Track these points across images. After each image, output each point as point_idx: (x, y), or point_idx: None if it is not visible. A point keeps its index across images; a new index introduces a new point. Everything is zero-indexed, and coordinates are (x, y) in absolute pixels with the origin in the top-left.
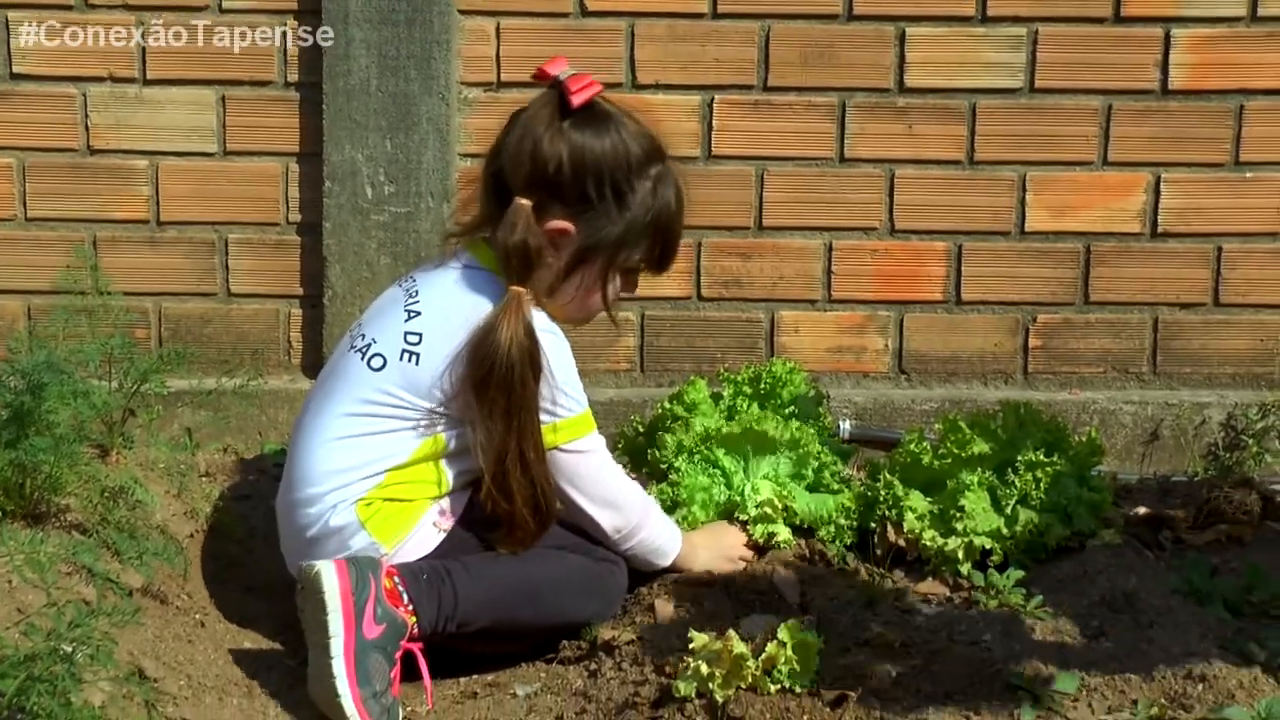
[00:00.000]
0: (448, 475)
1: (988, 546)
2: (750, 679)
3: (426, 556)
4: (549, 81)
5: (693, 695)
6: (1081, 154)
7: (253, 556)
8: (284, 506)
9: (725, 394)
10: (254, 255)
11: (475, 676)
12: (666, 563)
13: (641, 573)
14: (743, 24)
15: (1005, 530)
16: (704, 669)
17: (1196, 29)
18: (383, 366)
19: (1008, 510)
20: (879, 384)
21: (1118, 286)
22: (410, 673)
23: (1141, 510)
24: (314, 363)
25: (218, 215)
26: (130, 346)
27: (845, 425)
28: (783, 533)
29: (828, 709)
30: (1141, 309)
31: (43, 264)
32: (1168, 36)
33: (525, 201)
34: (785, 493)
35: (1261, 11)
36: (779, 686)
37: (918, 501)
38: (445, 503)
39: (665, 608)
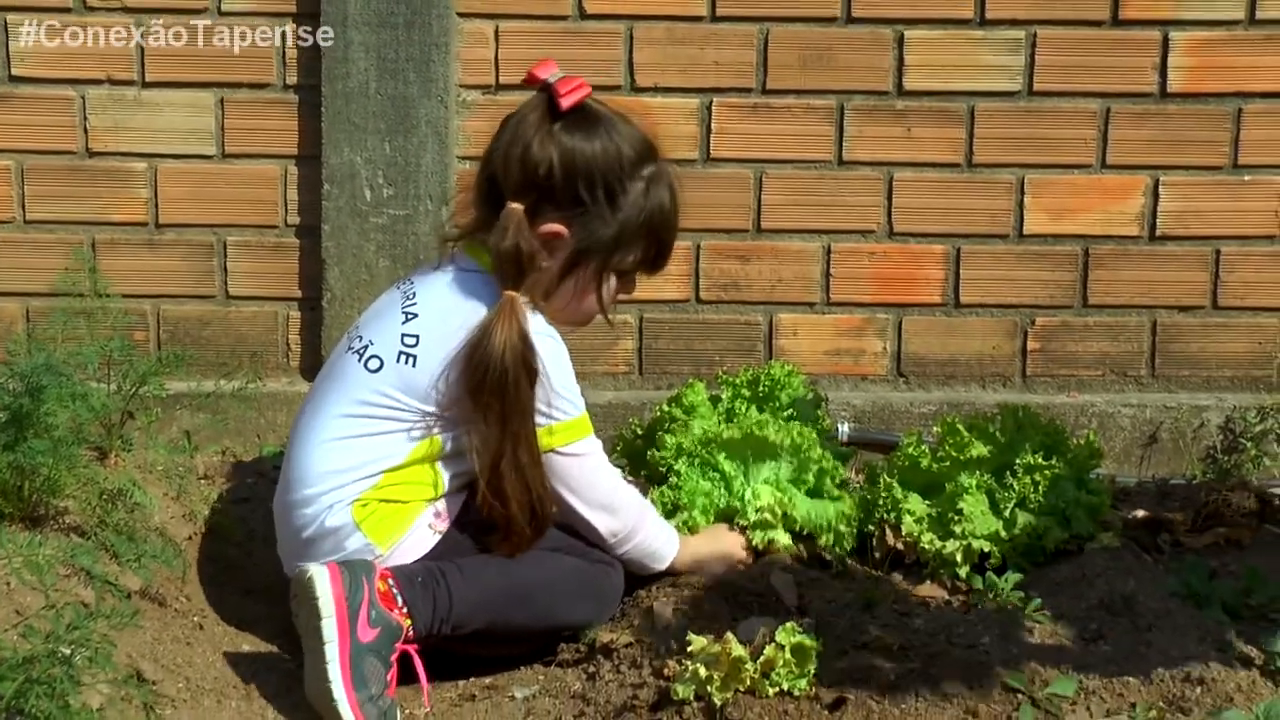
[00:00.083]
0: (443, 477)
1: (986, 549)
2: (748, 682)
3: (422, 558)
4: (539, 85)
5: (691, 698)
6: (1080, 157)
7: (251, 559)
8: (280, 507)
9: (724, 396)
10: (252, 258)
11: (473, 679)
12: (663, 566)
13: (640, 576)
14: (741, 27)
15: (1003, 533)
16: (702, 672)
17: (1195, 32)
18: (380, 368)
19: (1006, 513)
20: (877, 386)
21: (1116, 289)
22: (408, 675)
23: (1140, 513)
24: (312, 365)
25: (216, 218)
26: (129, 349)
27: (844, 428)
28: (782, 539)
29: (826, 712)
30: (1140, 312)
31: (41, 266)
32: (1166, 39)
33: (517, 206)
34: (785, 499)
35: (1260, 14)
36: (777, 689)
37: (916, 504)
38: (441, 505)
39: (663, 611)
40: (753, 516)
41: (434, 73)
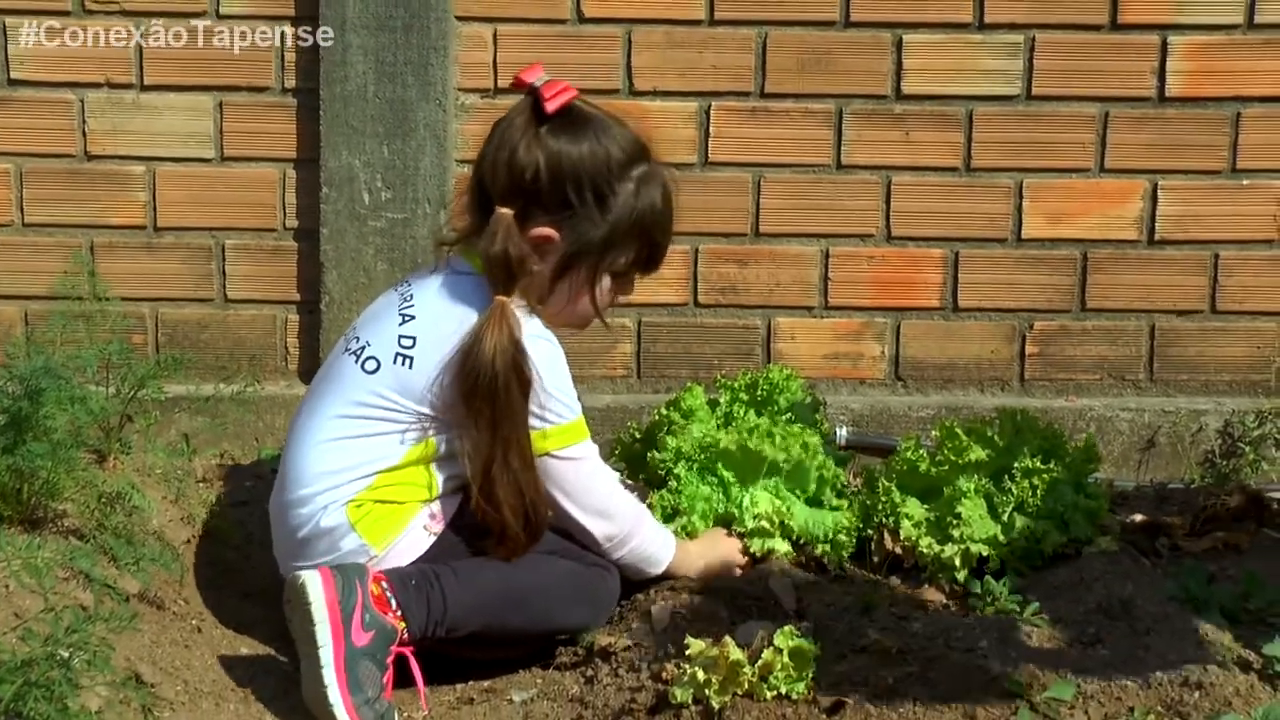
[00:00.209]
0: (438, 479)
1: (984, 554)
2: (746, 685)
3: (417, 560)
4: (526, 89)
5: (689, 702)
6: (1078, 161)
7: (249, 562)
8: (276, 507)
9: (722, 400)
10: (251, 261)
11: (472, 682)
12: (659, 571)
13: (637, 580)
14: (740, 30)
15: (1002, 537)
16: (700, 675)
17: (1193, 36)
18: (376, 369)
19: (1004, 517)
20: (876, 391)
21: (1114, 294)
22: (405, 678)
23: (1138, 517)
24: (311, 368)
25: (215, 221)
26: (128, 352)
27: (842, 432)
28: (780, 547)
29: (824, 715)
30: (1138, 316)
31: (40, 269)
32: (1165, 44)
33: (506, 211)
34: (784, 507)
35: (1258, 19)
36: (775, 693)
37: (914, 509)
38: (436, 506)
39: (662, 614)
40: (750, 524)
41: (432, 76)
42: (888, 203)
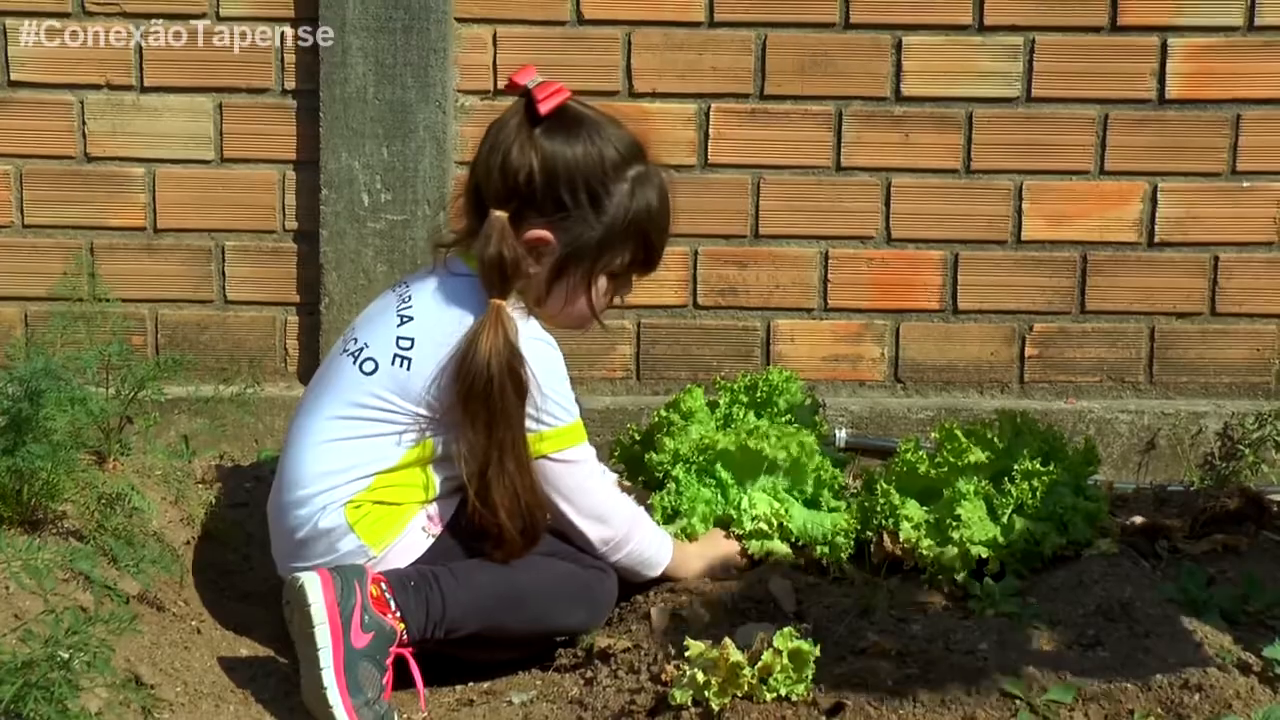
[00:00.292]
0: (436, 481)
1: (984, 555)
2: (746, 687)
3: (416, 562)
4: (519, 91)
5: (689, 703)
6: (1078, 163)
7: (249, 563)
8: (275, 508)
9: (721, 402)
10: (251, 263)
11: (471, 684)
12: (656, 573)
13: (635, 582)
14: (740, 32)
15: (1001, 539)
16: (700, 677)
17: (1193, 38)
18: (374, 371)
19: (1004, 519)
20: (875, 392)
21: (1114, 296)
22: (405, 680)
23: (1138, 519)
24: (310, 370)
25: (214, 223)
26: (128, 353)
27: (841, 434)
28: (779, 549)
29: (824, 717)
30: (1138, 318)
31: (40, 271)
32: (1164, 46)
33: (500, 214)
34: (782, 509)
35: (1259, 21)
36: (775, 695)
37: (914, 510)
38: (434, 508)
39: (661, 616)
40: (748, 526)
41: (432, 78)
42: (887, 205)
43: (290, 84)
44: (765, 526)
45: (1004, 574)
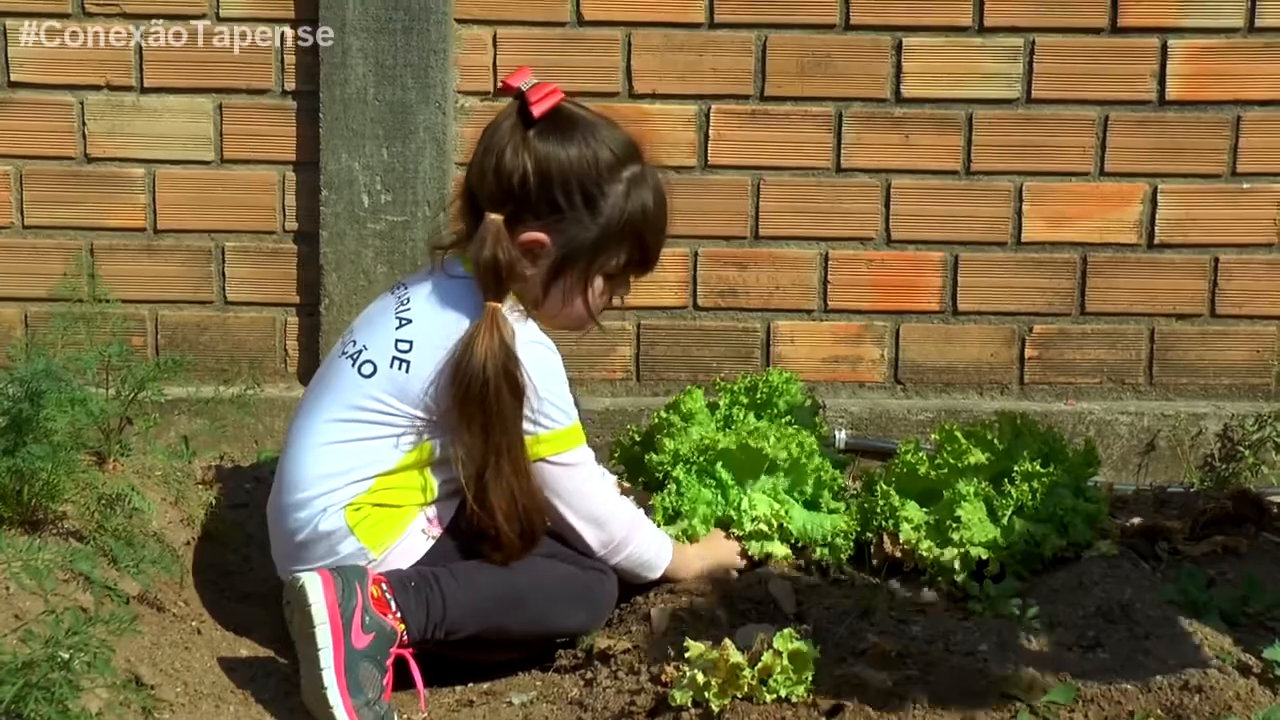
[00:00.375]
0: (435, 483)
1: (984, 557)
2: (746, 688)
3: (416, 564)
4: (513, 93)
5: (689, 704)
6: (1078, 164)
7: (249, 564)
8: (274, 510)
9: (721, 403)
10: (251, 263)
11: (471, 685)
12: (656, 575)
13: (635, 584)
14: (740, 34)
15: (1001, 541)
16: (700, 678)
17: (1193, 40)
18: (373, 373)
19: (1004, 521)
20: (875, 394)
21: (1114, 297)
22: (405, 680)
23: (1137, 521)
24: (310, 371)
25: (214, 223)
26: (128, 354)
27: (841, 435)
28: (779, 550)
29: (823, 718)
30: (1138, 320)
31: (40, 271)
32: (1164, 47)
33: (495, 217)
34: (782, 510)
35: (1259, 22)
36: (775, 696)
37: (914, 512)
38: (433, 510)
39: (661, 617)
40: (748, 526)
41: (432, 79)
42: (887, 206)
43: (290, 85)
44: (765, 528)
45: (1004, 575)
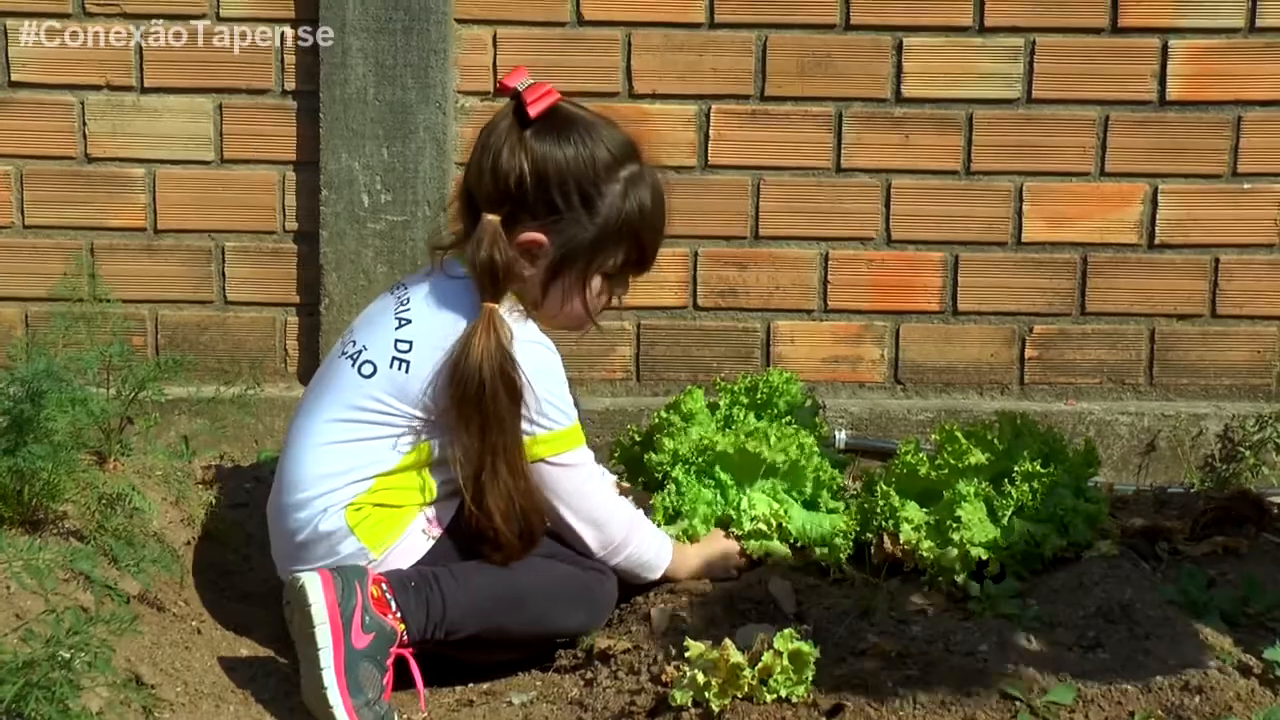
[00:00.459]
0: (434, 483)
1: (984, 557)
2: (746, 688)
3: (416, 564)
4: (510, 93)
5: (689, 704)
6: (1079, 164)
7: (249, 564)
8: (274, 510)
9: (722, 403)
10: (251, 263)
11: (471, 685)
12: (656, 576)
13: (635, 584)
14: (740, 34)
15: (1001, 541)
16: (700, 678)
17: (1194, 40)
18: (373, 374)
19: (1004, 521)
20: (875, 394)
21: (1114, 297)
22: (406, 680)
23: (1138, 521)
24: (310, 371)
25: (215, 223)
26: (129, 354)
27: (841, 435)
28: (778, 550)
29: (823, 718)
30: (1138, 320)
31: (40, 271)
32: (1165, 47)
33: (493, 217)
34: (781, 510)
35: (1260, 22)
36: (775, 696)
37: (914, 512)
38: (433, 510)
39: (661, 617)
40: (748, 526)
41: (432, 79)
42: (887, 206)
43: (290, 85)
44: (764, 527)
45: (1004, 576)
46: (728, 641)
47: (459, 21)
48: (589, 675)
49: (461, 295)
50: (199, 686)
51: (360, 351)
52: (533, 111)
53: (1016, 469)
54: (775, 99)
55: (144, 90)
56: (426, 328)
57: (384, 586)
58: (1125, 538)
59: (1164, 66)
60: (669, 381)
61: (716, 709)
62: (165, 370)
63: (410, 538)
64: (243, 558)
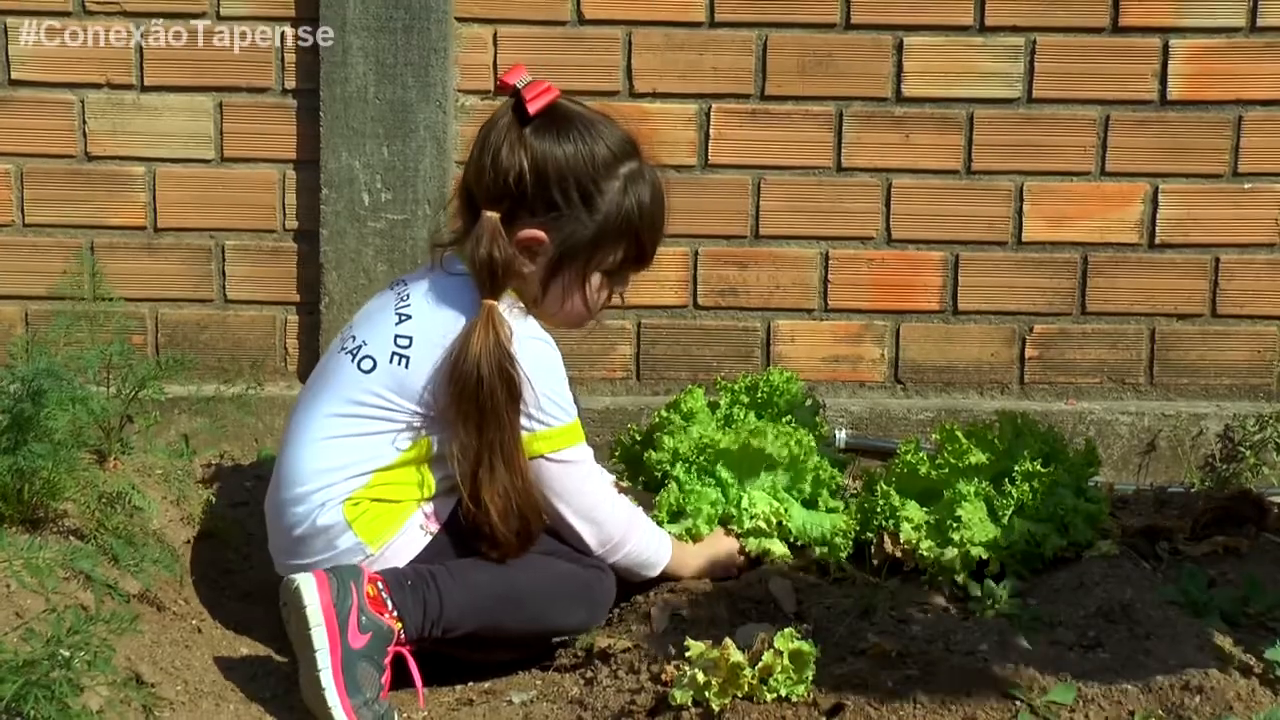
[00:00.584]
0: (433, 479)
1: (984, 557)
2: (746, 687)
3: (414, 560)
4: (510, 91)
5: (689, 704)
6: (1079, 164)
7: (249, 563)
8: (272, 505)
9: (722, 402)
10: (251, 262)
11: (470, 684)
12: (655, 573)
13: (635, 582)
14: (740, 33)
15: (1002, 540)
16: (700, 677)
17: (1195, 39)
18: (372, 369)
19: (1004, 520)
20: (875, 393)
21: (1115, 297)
22: (405, 679)
23: (1138, 521)
24: (310, 369)
25: (215, 222)
26: (129, 353)
27: (841, 434)
28: (777, 549)
29: (824, 718)
30: (1139, 320)
31: (40, 270)
32: (1166, 47)
33: (492, 215)
34: (781, 508)
35: (1260, 22)
36: (775, 695)
37: (914, 512)
38: (431, 506)
39: (661, 616)
40: (748, 524)
41: (433, 78)
42: (888, 205)
43: (290, 83)
44: (764, 525)
45: (1004, 575)
46: (728, 640)
47: (459, 20)
48: (589, 674)
49: (461, 292)
50: (199, 685)
51: (360, 347)
52: (532, 109)
53: (1017, 469)
54: (776, 98)
55: (144, 89)
56: (426, 324)
57: (380, 585)
58: (1125, 537)
59: (1165, 66)
60: (669, 381)
61: (717, 708)
62: (165, 369)
63: (408, 533)
64: (243, 556)
